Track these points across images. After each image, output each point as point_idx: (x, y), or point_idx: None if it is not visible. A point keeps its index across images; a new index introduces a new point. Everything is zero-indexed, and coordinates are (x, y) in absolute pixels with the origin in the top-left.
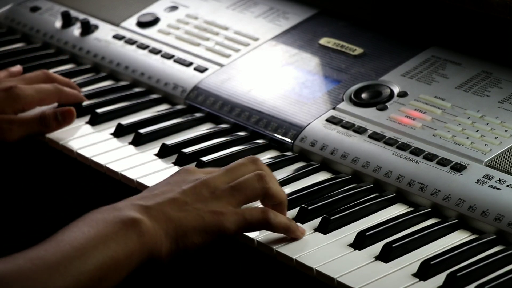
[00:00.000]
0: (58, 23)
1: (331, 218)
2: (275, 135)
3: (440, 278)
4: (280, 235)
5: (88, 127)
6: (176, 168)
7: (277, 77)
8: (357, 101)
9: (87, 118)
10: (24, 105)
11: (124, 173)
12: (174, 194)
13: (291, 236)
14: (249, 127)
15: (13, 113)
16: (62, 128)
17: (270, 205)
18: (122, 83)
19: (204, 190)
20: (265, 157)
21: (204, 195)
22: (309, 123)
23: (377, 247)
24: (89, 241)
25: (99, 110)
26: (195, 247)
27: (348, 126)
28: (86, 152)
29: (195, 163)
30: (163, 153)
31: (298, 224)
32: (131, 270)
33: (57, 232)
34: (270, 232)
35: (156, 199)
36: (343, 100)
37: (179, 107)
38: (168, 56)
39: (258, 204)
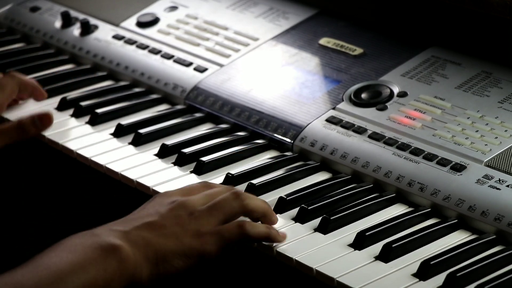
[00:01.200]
0: (58, 23)
1: (331, 218)
2: (275, 135)
3: (440, 278)
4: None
5: (88, 127)
6: (176, 169)
7: (277, 77)
8: (357, 101)
9: (87, 118)
10: (4, 98)
11: (124, 173)
12: (152, 218)
13: (273, 242)
14: (249, 127)
15: None
16: (41, 132)
17: (256, 219)
18: (122, 83)
19: (182, 212)
20: (265, 157)
21: (182, 217)
22: (309, 123)
23: (377, 247)
24: (67, 266)
25: (99, 110)
26: (177, 271)
27: (348, 126)
28: (86, 152)
29: (194, 163)
30: (163, 153)
31: (281, 230)
32: None
33: (34, 256)
34: None
35: (133, 224)
36: (343, 100)
37: (179, 107)
38: (168, 56)
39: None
